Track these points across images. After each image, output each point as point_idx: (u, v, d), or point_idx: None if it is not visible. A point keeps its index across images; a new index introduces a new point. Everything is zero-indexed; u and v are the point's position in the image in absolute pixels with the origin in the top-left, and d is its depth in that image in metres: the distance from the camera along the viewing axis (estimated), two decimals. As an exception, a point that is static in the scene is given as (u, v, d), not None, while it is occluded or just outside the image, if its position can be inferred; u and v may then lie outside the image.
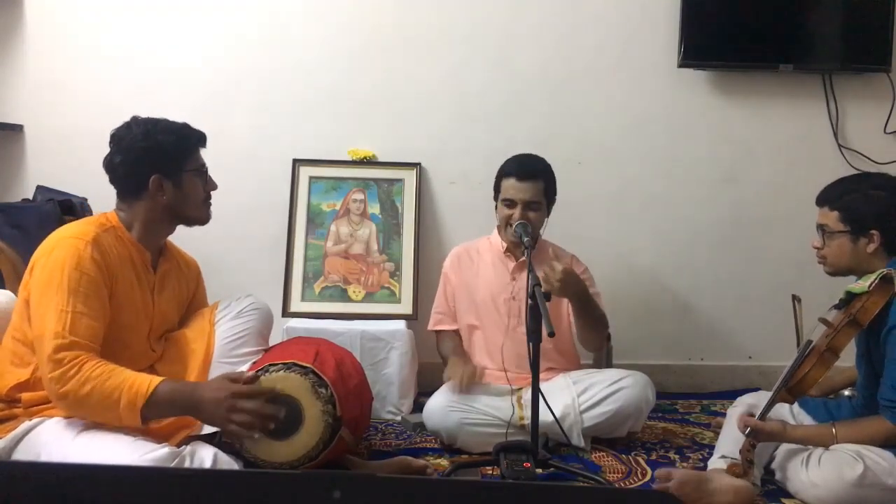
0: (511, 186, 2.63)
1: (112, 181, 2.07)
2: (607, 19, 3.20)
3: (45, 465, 1.48)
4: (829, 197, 2.22)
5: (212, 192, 2.16)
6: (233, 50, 3.17)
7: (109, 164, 2.05)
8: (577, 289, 2.46)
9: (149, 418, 1.84)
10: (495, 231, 2.81)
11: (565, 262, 2.71)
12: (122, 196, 2.09)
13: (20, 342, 1.94)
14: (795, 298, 2.26)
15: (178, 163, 2.07)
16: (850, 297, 2.10)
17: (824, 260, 2.23)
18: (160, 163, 2.04)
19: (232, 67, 3.17)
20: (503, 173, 2.68)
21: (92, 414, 1.83)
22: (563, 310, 2.67)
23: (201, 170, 2.13)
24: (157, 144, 2.03)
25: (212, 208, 2.17)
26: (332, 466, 2.12)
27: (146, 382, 1.82)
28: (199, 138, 2.13)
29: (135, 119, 2.07)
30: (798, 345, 2.16)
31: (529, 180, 2.62)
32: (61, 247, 1.92)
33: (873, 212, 2.13)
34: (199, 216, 2.15)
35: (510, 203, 2.63)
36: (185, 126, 2.12)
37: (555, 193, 2.71)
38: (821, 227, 2.22)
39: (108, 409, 1.79)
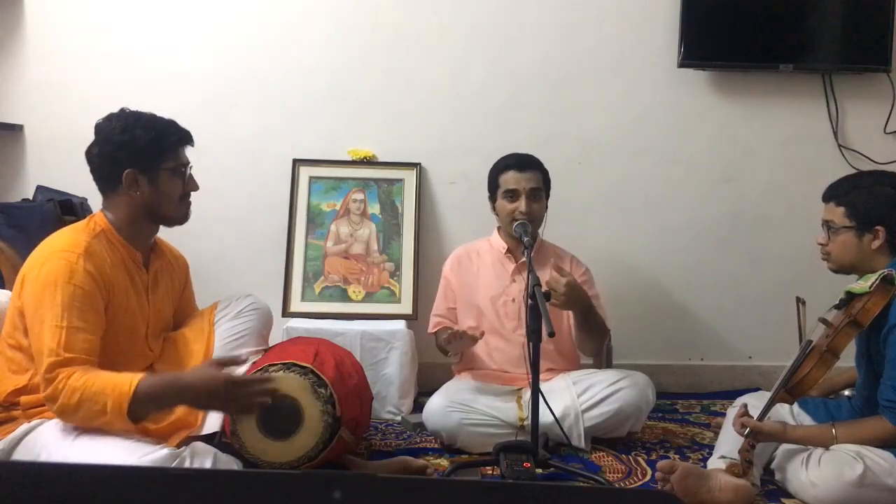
0: (511, 178, 2.64)
1: (91, 173, 2.04)
2: (607, 19, 3.20)
3: (45, 466, 1.47)
4: (836, 193, 2.21)
5: (192, 192, 2.11)
6: (233, 50, 3.16)
7: (88, 155, 2.03)
8: (581, 302, 2.46)
9: (141, 417, 1.81)
10: (495, 232, 2.80)
11: (565, 263, 2.71)
12: (101, 190, 2.05)
13: (16, 349, 1.93)
14: (800, 300, 2.24)
15: (154, 160, 2.02)
16: (850, 297, 2.10)
17: (828, 256, 2.23)
18: (135, 158, 1.99)
19: (232, 68, 3.17)
20: (500, 169, 2.69)
21: (89, 422, 1.81)
22: (564, 310, 2.67)
23: (179, 169, 2.07)
24: (132, 139, 1.98)
25: (191, 208, 2.13)
26: (332, 466, 2.13)
27: (128, 382, 1.79)
28: (182, 137, 2.08)
29: (120, 111, 2.03)
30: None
31: (529, 170, 2.65)
32: (53, 260, 1.88)
33: (879, 208, 2.13)
34: (176, 215, 2.10)
35: (513, 194, 2.63)
36: (169, 124, 2.06)
37: (550, 188, 2.72)
38: (826, 223, 2.22)
39: (99, 414, 1.78)
